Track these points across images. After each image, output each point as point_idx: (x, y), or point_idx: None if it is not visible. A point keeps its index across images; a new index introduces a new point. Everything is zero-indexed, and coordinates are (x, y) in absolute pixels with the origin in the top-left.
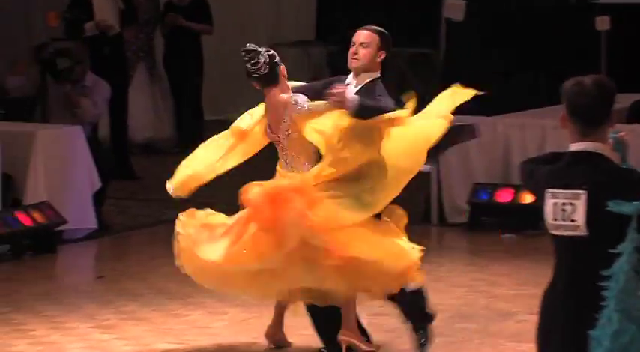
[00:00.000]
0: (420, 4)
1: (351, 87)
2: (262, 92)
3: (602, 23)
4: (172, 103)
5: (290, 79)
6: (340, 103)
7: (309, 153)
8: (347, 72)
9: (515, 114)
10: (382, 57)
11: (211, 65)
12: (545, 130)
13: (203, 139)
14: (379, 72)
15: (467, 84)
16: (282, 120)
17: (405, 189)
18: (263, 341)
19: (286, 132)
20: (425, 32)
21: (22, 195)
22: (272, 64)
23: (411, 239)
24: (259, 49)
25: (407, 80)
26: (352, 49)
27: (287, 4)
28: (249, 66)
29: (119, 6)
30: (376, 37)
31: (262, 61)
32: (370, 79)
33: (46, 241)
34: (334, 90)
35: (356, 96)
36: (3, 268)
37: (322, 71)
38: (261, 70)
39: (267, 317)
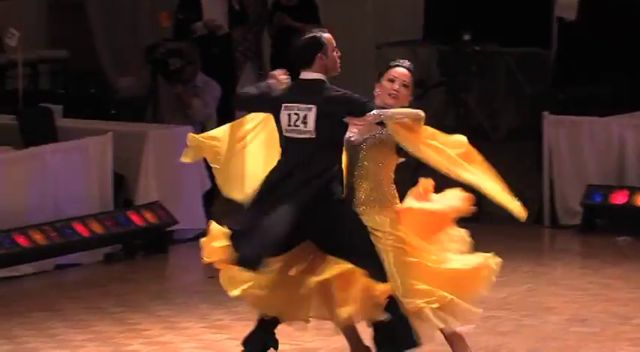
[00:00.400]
0: (530, 3)
1: None
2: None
3: None
4: None
5: None
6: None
7: None
8: (461, 72)
9: (630, 114)
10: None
11: None
12: None
13: None
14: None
15: (579, 84)
16: None
17: (517, 189)
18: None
19: None
20: (535, 31)
21: (133, 195)
22: None
23: (523, 241)
24: None
25: (516, 80)
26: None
27: (394, 3)
28: None
29: (232, 5)
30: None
31: None
32: None
33: (157, 241)
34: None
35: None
36: (116, 268)
37: (430, 71)
38: None
39: None
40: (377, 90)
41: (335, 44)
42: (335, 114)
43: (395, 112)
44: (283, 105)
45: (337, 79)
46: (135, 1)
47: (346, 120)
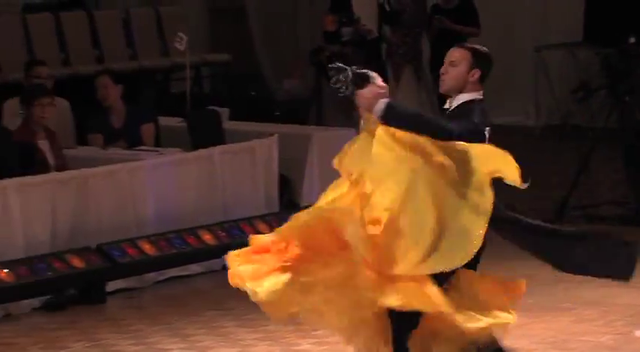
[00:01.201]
0: None
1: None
2: None
3: None
4: (437, 102)
5: None
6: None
7: None
8: (625, 75)
9: None
10: (476, 75)
11: None
12: None
13: None
14: (481, 92)
15: None
16: None
17: None
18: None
19: None
20: None
21: (297, 197)
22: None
23: None
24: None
25: None
26: (442, 69)
27: (553, 4)
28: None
29: (383, 6)
30: (468, 54)
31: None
32: (466, 100)
33: None
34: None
35: (384, 99)
36: None
37: (590, 74)
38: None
39: None
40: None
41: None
42: None
43: None
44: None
45: (496, 83)
46: (294, 5)
47: None
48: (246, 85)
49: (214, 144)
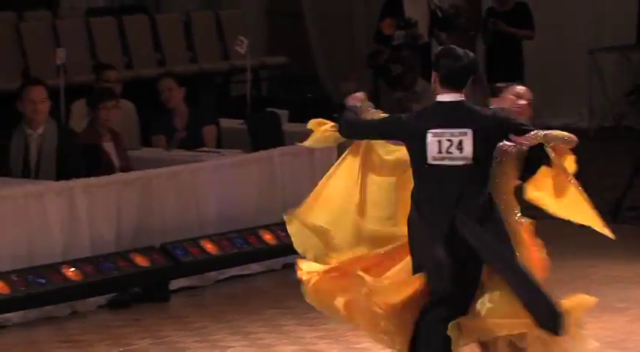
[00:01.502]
0: None
1: None
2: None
3: None
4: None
5: None
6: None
7: None
8: None
9: None
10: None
11: (529, 67)
12: None
13: None
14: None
15: None
16: None
17: None
18: None
19: None
20: None
21: None
22: None
23: None
24: None
25: None
26: (520, 102)
27: (607, 8)
28: None
29: (435, 12)
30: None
31: None
32: None
33: None
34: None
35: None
36: None
37: None
38: None
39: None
40: (494, 104)
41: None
42: (491, 136)
43: (557, 134)
44: (430, 131)
45: (550, 85)
46: (349, 7)
47: (512, 138)
48: (304, 87)
49: (274, 145)
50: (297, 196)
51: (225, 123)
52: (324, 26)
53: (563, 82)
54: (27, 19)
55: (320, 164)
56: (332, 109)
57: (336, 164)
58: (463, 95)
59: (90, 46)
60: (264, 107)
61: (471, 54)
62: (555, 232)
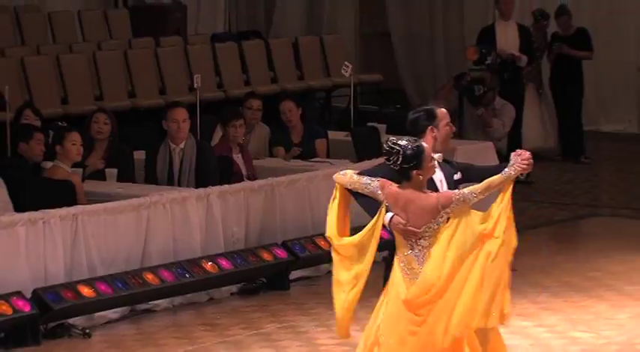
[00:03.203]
0: None
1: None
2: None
3: None
4: (556, 118)
5: None
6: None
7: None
8: None
9: None
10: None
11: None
12: None
13: (583, 148)
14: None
15: None
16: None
17: None
18: None
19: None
20: None
21: None
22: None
23: None
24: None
25: None
26: (452, 129)
27: None
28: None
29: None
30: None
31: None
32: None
33: None
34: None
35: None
36: None
37: None
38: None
39: None
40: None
41: (449, 119)
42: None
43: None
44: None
45: (605, 97)
46: (432, 36)
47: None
48: (394, 101)
49: (376, 156)
50: None
51: (332, 135)
52: (409, 49)
53: (614, 97)
54: (162, 44)
55: None
56: None
57: None
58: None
59: (215, 67)
60: (363, 120)
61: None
62: (615, 228)
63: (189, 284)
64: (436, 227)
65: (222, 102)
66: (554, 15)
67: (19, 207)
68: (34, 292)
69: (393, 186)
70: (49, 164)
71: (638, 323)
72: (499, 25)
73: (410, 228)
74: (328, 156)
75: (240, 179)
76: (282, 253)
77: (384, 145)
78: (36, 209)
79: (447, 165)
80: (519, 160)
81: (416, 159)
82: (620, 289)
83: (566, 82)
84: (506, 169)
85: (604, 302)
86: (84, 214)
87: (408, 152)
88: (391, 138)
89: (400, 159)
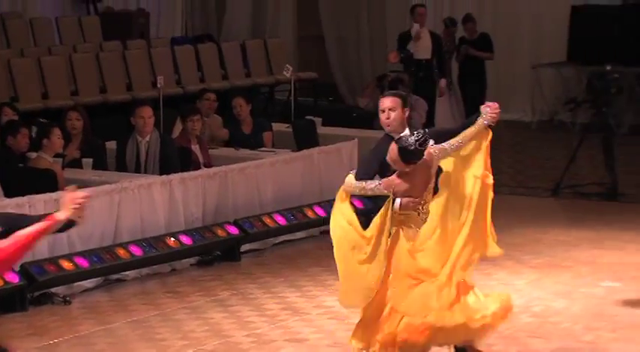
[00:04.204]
0: None
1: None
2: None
3: None
4: (464, 109)
5: None
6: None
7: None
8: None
9: None
10: (407, 113)
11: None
12: None
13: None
14: (407, 128)
15: None
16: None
17: None
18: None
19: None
20: None
21: None
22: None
23: None
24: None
25: (634, 91)
26: (384, 115)
27: (544, 30)
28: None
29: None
30: (398, 100)
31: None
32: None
33: None
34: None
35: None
36: None
37: (572, 88)
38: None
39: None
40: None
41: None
42: None
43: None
44: None
45: (504, 90)
46: (358, 39)
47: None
48: (328, 95)
49: (313, 145)
50: (331, 184)
51: (275, 126)
52: (339, 52)
53: (513, 88)
54: (129, 47)
55: (346, 161)
56: (351, 116)
57: None
58: None
59: (174, 66)
60: (302, 113)
61: None
62: (513, 205)
63: (155, 257)
64: (432, 186)
65: (181, 96)
66: (462, 22)
67: (9, 193)
68: (22, 266)
69: (395, 178)
70: (33, 155)
71: (534, 288)
72: (413, 31)
73: (418, 200)
74: (273, 146)
75: (197, 167)
76: (233, 230)
77: (411, 138)
78: (23, 194)
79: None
80: (489, 111)
81: (428, 143)
82: (518, 258)
83: (472, 79)
84: (479, 119)
85: (505, 270)
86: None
87: (420, 141)
88: (403, 137)
89: (426, 143)
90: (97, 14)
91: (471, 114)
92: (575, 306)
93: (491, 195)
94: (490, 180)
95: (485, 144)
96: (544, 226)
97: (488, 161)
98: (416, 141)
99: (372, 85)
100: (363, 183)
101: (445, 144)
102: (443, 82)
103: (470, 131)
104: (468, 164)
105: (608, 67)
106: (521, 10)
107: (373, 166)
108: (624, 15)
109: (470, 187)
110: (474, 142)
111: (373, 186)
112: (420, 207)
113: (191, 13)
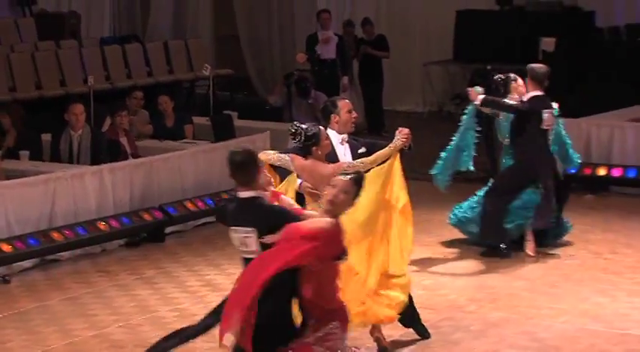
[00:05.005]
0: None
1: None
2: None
3: None
4: (363, 101)
5: None
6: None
7: None
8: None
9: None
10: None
11: (385, 75)
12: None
13: (383, 124)
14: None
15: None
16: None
17: None
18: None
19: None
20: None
21: None
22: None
23: None
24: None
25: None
26: (353, 115)
27: (433, 33)
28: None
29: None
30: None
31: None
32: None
33: None
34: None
35: None
36: None
37: (456, 79)
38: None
39: None
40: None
41: (350, 108)
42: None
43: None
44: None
45: (399, 84)
46: (270, 39)
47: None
48: (243, 89)
49: (229, 138)
50: None
51: (196, 120)
52: (253, 50)
53: (407, 83)
54: (62, 46)
55: (260, 149)
56: (264, 109)
57: None
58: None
59: (103, 64)
60: (220, 106)
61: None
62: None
63: (87, 239)
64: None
65: (109, 92)
66: (361, 24)
67: None
68: None
69: (301, 159)
70: None
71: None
72: (320, 34)
73: (314, 191)
74: (194, 138)
75: (125, 157)
76: (158, 214)
77: (290, 128)
78: None
79: (354, 142)
80: (400, 136)
81: (314, 138)
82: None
83: (371, 75)
84: (390, 144)
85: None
86: (3, 187)
87: (308, 133)
88: (295, 122)
89: (303, 138)
90: (32, 16)
91: (370, 107)
92: (460, 280)
93: (401, 215)
94: (400, 201)
95: (398, 165)
96: (433, 208)
97: (402, 181)
98: (306, 129)
99: (279, 83)
100: (277, 153)
101: (356, 162)
102: (345, 79)
103: (383, 153)
104: (376, 184)
105: (489, 67)
106: (413, 14)
107: (293, 149)
108: (501, 19)
109: (374, 206)
110: (386, 163)
111: (283, 156)
112: (318, 201)
113: (118, 15)
